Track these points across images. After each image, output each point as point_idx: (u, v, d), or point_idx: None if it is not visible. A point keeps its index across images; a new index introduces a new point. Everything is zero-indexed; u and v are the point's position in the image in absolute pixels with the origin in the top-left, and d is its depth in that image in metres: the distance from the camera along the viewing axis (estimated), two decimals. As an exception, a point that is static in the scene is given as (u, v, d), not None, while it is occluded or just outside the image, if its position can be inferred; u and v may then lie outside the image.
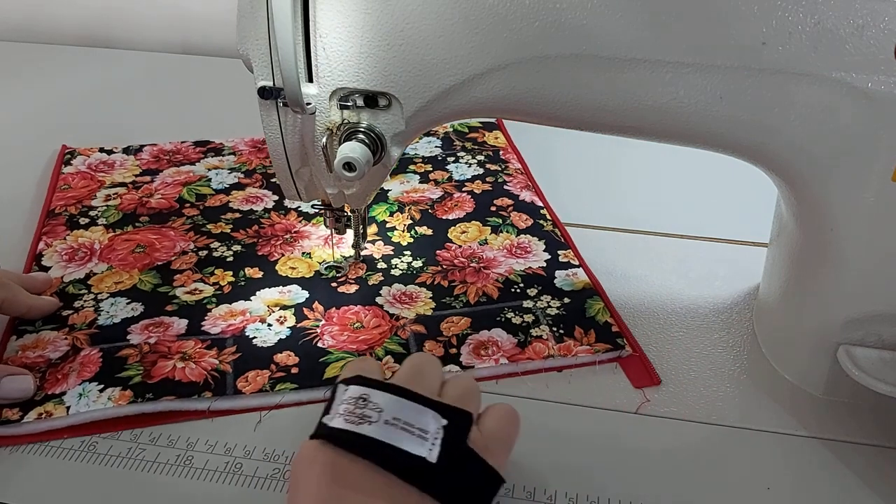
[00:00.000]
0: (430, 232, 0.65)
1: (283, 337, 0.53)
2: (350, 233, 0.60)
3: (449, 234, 0.65)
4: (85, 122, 0.84)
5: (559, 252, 0.63)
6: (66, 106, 0.87)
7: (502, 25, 0.43)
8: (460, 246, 0.63)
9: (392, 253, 0.62)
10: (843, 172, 0.43)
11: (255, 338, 0.53)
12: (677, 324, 0.56)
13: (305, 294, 0.57)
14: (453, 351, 0.53)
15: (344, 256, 0.61)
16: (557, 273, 0.60)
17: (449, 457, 0.38)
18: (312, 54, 0.45)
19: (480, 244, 0.64)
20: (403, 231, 0.65)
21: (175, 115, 0.85)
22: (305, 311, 0.56)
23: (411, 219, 0.66)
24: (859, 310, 0.46)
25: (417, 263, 0.61)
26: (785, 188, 0.48)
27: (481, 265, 0.61)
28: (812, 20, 0.39)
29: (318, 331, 0.54)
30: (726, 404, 0.49)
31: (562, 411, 0.49)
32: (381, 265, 0.61)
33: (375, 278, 0.59)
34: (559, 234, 0.65)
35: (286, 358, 0.51)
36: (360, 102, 0.47)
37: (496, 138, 0.80)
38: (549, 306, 0.57)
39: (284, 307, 0.56)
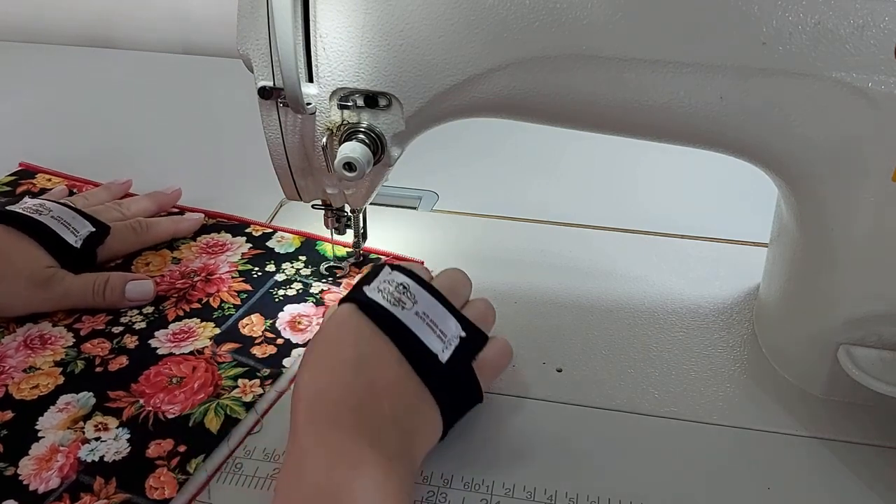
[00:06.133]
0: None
1: (126, 437, 0.46)
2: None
3: (137, 271, 0.59)
4: (85, 122, 0.84)
5: (247, 231, 0.63)
6: (66, 106, 0.87)
7: (502, 26, 0.42)
8: (163, 275, 0.58)
9: (112, 317, 0.55)
10: (843, 172, 0.43)
11: (94, 461, 0.44)
12: (677, 324, 0.56)
13: (89, 394, 0.48)
14: (280, 341, 0.53)
15: (343, 256, 0.61)
16: (269, 245, 0.62)
17: (455, 364, 0.43)
18: (312, 54, 0.45)
19: (175, 263, 0.59)
20: None
21: (175, 116, 0.85)
22: (110, 405, 0.48)
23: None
24: (859, 310, 0.46)
25: (149, 308, 0.55)
26: (785, 188, 0.48)
27: (203, 275, 0.58)
28: (812, 20, 0.39)
29: (148, 411, 0.47)
30: (726, 404, 0.49)
31: (562, 411, 0.49)
32: (118, 329, 0.54)
33: (130, 341, 0.52)
34: (227, 220, 0.65)
35: (161, 447, 0.45)
36: (360, 102, 0.47)
37: (49, 180, 0.71)
38: (297, 270, 0.59)
39: (86, 417, 0.47)
